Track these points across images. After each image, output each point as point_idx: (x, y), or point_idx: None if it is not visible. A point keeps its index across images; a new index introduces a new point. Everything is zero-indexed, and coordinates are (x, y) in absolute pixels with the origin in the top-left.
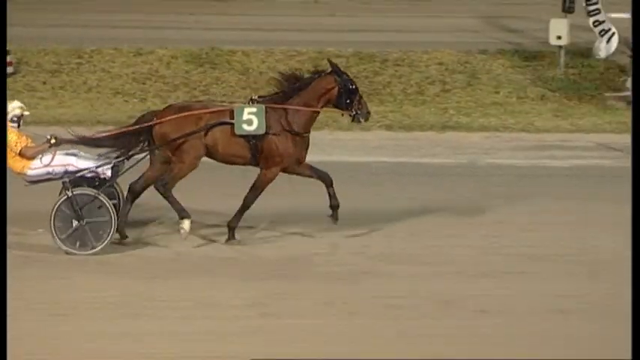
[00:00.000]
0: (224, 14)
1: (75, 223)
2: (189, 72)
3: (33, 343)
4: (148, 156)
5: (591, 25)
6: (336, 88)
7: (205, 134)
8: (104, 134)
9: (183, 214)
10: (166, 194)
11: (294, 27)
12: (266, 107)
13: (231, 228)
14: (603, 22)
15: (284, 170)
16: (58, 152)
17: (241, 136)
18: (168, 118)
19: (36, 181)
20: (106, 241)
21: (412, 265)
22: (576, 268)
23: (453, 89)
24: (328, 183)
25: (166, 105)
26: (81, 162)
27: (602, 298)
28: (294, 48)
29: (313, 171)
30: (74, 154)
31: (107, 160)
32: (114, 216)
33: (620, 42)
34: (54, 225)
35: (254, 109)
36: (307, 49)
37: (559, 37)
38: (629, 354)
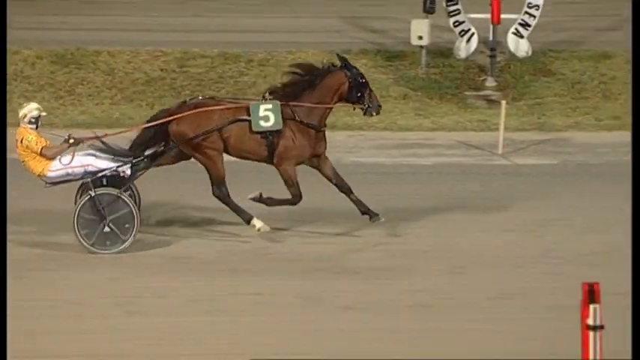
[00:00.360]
0: (89, 15)
1: (98, 222)
2: (55, 72)
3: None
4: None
5: (451, 26)
6: (347, 83)
7: (221, 130)
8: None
9: (246, 217)
10: (225, 200)
11: (159, 27)
12: (281, 104)
13: (264, 201)
14: (463, 22)
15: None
16: (76, 153)
17: (257, 132)
18: (184, 115)
19: (56, 182)
20: (129, 240)
21: (276, 262)
22: (437, 264)
23: None
24: (347, 191)
25: (181, 101)
26: (100, 162)
27: (462, 293)
28: (159, 48)
29: (334, 175)
30: (92, 154)
31: (127, 160)
32: (137, 214)
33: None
34: (77, 225)
35: (270, 106)
36: (173, 50)
37: (420, 37)
38: (490, 348)
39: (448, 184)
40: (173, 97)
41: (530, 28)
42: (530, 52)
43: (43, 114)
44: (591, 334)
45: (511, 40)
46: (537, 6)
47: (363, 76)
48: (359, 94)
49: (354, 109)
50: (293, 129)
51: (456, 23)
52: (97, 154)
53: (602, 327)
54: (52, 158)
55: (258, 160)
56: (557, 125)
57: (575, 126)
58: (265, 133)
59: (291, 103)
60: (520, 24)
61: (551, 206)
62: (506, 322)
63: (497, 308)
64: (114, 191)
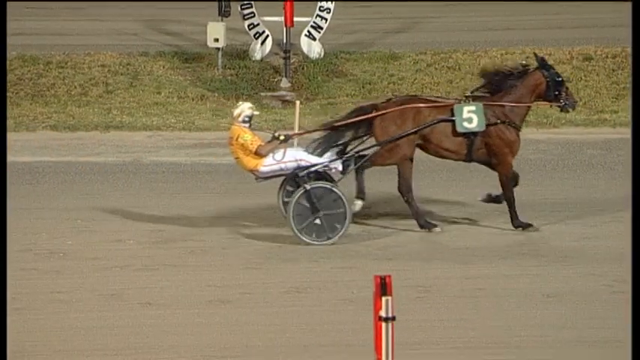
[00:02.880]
0: None
1: (311, 213)
2: None
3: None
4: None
5: (246, 28)
6: (545, 83)
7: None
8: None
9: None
10: (407, 197)
11: None
12: (484, 104)
13: (520, 226)
14: (258, 25)
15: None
16: (287, 148)
17: (461, 133)
18: (390, 110)
19: (268, 177)
20: (334, 238)
21: (78, 260)
22: (234, 259)
23: (116, 90)
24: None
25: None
26: (312, 157)
27: (262, 287)
28: None
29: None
30: (304, 149)
31: (338, 156)
32: (348, 208)
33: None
34: (293, 217)
35: (473, 107)
36: None
37: (216, 40)
38: (287, 340)
39: (233, 180)
40: None
41: (322, 31)
42: (322, 54)
43: (256, 113)
44: (384, 325)
45: (304, 43)
46: (329, 9)
47: (559, 75)
48: (556, 93)
49: (551, 106)
50: (498, 129)
51: (251, 26)
52: (304, 148)
53: (393, 318)
54: (265, 156)
55: (457, 159)
56: None
57: None
58: (468, 134)
59: (495, 103)
60: (312, 27)
61: None
62: (303, 315)
63: (292, 301)
64: (328, 185)
